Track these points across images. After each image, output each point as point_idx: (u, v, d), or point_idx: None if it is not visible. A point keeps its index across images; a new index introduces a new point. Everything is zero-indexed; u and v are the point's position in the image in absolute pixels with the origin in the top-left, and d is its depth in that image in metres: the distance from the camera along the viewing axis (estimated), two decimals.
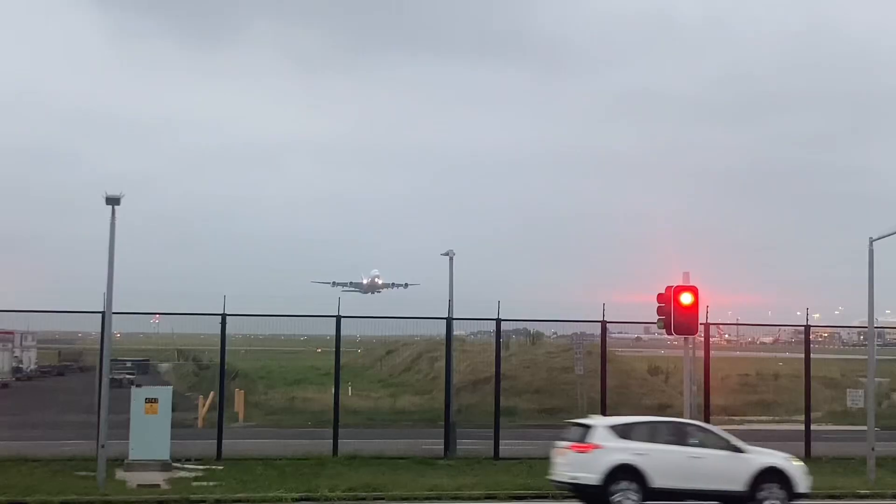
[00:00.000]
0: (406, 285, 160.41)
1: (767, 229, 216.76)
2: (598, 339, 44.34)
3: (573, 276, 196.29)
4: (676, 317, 33.85)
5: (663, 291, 34.25)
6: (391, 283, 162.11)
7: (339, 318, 40.17)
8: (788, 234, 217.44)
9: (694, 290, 34.12)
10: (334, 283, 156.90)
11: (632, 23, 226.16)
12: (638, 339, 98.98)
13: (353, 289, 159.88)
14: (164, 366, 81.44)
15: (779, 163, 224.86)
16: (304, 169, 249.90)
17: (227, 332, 40.44)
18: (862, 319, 42.37)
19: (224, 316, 39.47)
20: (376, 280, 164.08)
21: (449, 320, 42.31)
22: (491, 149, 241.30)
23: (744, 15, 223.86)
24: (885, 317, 76.61)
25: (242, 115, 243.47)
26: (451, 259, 46.40)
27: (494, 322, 42.08)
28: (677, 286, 34.06)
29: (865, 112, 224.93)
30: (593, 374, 48.91)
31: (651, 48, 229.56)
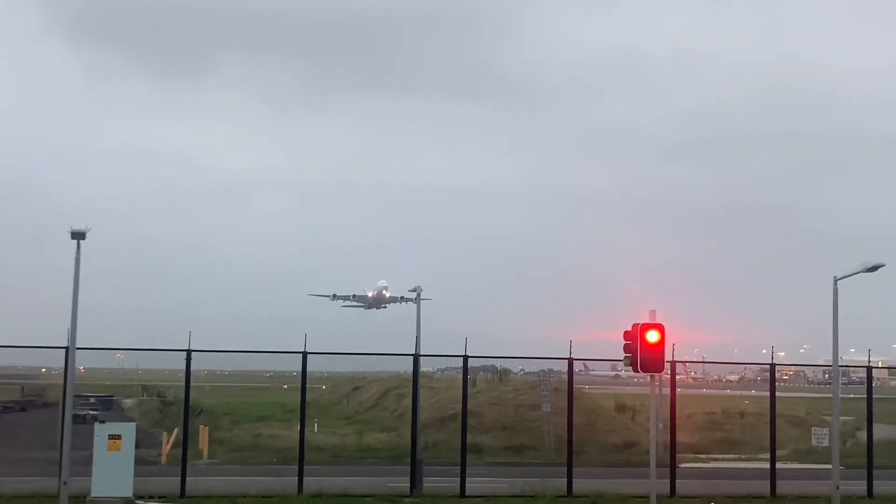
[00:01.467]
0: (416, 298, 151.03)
1: (734, 267, 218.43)
2: (566, 376, 44.26)
3: (541, 313, 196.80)
4: (643, 354, 33.83)
5: (630, 329, 34.28)
6: (399, 296, 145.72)
7: (305, 354, 39.91)
8: (755, 271, 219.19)
9: (660, 328, 34.14)
10: (334, 297, 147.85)
11: (602, 61, 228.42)
12: (617, 376, 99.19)
13: (355, 303, 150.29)
14: (129, 401, 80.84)
15: (745, 201, 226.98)
16: (273, 204, 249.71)
17: (193, 367, 40.08)
18: (827, 358, 42.59)
19: (189, 352, 39.14)
20: (384, 293, 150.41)
21: (416, 357, 42.14)
22: (461, 184, 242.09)
23: (712, 55, 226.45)
24: (850, 355, 76.80)
25: (211, 150, 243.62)
26: (418, 295, 46.38)
27: (462, 359, 41.95)
28: (644, 324, 34.08)
29: (831, 152, 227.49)
30: (560, 411, 48.86)
31: (621, 86, 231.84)
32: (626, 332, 34.21)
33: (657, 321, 34.20)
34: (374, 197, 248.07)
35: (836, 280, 37.30)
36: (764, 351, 53.81)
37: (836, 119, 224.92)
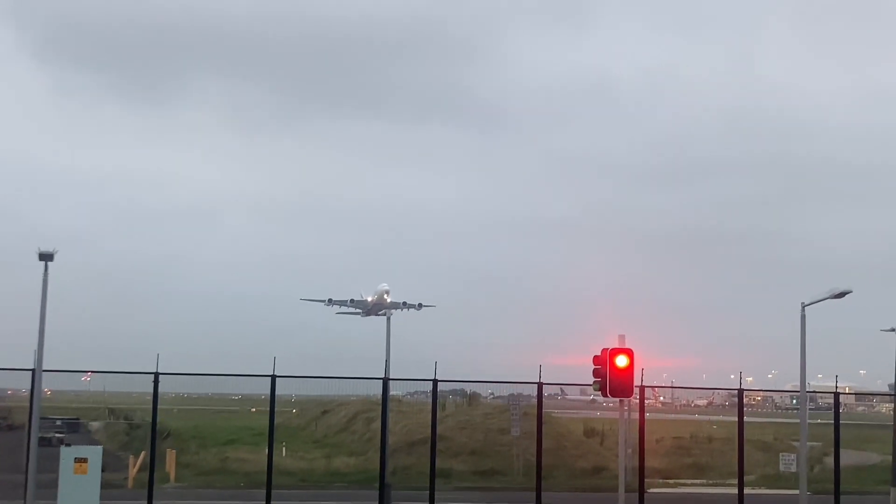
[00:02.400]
0: (420, 306, 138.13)
1: (703, 291, 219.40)
2: (536, 400, 44.24)
3: (512, 337, 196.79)
4: (612, 379, 33.91)
5: (599, 354, 34.36)
6: (402, 301, 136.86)
7: (273, 377, 39.76)
8: (724, 296, 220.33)
9: (629, 353, 34.24)
10: (330, 302, 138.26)
11: (571, 87, 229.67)
12: (593, 400, 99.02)
13: (352, 309, 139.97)
14: (95, 424, 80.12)
15: (714, 226, 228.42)
16: (243, 225, 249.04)
17: (161, 390, 39.85)
18: (794, 383, 42.78)
19: (157, 374, 38.91)
20: (385, 297, 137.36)
21: (385, 381, 42.07)
22: (431, 209, 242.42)
23: (679, 82, 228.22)
24: (817, 381, 77.00)
25: (182, 173, 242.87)
26: (388, 318, 46.40)
27: (431, 382, 41.88)
28: (613, 349, 34.18)
29: (798, 178, 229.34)
30: (530, 435, 48.82)
31: (590, 112, 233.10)
32: (595, 357, 34.30)
33: (626, 346, 34.32)
34: (343, 219, 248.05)
35: (803, 306, 37.56)
36: (732, 376, 53.96)
37: (801, 146, 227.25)
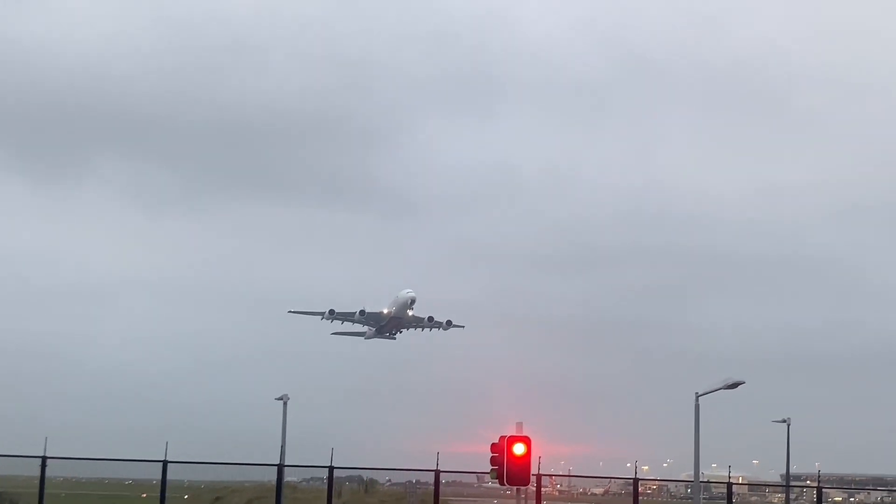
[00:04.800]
0: (449, 324, 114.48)
1: (602, 379, 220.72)
2: (433, 487, 44.01)
3: (411, 423, 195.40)
4: (509, 467, 33.94)
5: (497, 441, 34.39)
6: (427, 317, 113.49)
7: (165, 462, 39.02)
8: (621, 384, 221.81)
9: (527, 441, 34.34)
10: (331, 314, 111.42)
11: (477, 176, 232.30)
12: (491, 487, 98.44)
13: (357, 327, 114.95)
14: None
15: (612, 314, 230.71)
16: (141, 307, 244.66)
17: (49, 474, 38.83)
18: (689, 472, 43.29)
19: (44, 458, 37.95)
20: (408, 310, 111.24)
21: (280, 467, 41.54)
22: (333, 292, 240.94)
23: (582, 174, 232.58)
24: (711, 470, 77.96)
25: (80, 252, 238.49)
26: (285, 404, 46.02)
27: (327, 469, 41.43)
28: (510, 436, 34.27)
29: (693, 270, 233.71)
30: None
31: (494, 200, 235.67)
32: (493, 445, 34.36)
33: (524, 433, 34.44)
34: (244, 301, 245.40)
35: (697, 396, 38.17)
36: (628, 464, 54.48)
37: (696, 238, 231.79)
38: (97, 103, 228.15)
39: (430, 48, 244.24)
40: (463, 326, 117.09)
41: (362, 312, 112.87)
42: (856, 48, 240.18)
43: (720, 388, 37.70)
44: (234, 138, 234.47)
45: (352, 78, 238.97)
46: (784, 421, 70.89)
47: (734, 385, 37.46)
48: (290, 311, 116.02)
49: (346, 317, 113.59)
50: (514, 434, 34.92)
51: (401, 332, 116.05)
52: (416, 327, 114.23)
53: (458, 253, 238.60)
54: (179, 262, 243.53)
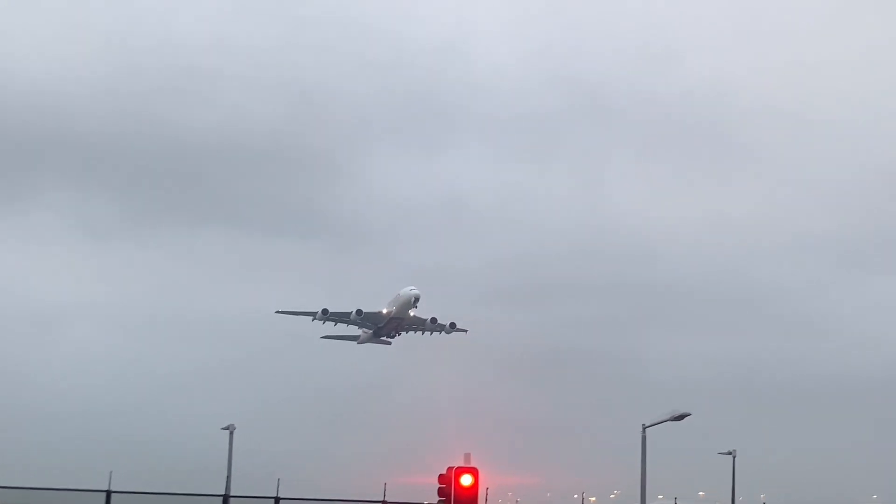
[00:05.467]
0: (452, 326, 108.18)
1: (550, 410, 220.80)
2: None
3: (360, 452, 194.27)
4: (457, 498, 33.82)
5: (444, 472, 34.28)
6: (429, 318, 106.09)
7: (109, 493, 38.54)
8: (569, 415, 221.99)
9: (474, 472, 34.24)
10: (324, 314, 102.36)
11: (426, 207, 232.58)
12: None
13: (352, 330, 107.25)
14: None
15: (561, 345, 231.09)
16: (89, 333, 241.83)
17: None
18: None
19: None
20: (409, 310, 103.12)
21: (226, 497, 41.17)
22: (281, 318, 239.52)
23: (530, 205, 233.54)
24: (658, 502, 78.19)
25: (25, 280, 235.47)
26: (231, 433, 45.57)
27: (273, 500, 41.10)
28: (458, 467, 34.16)
29: (642, 302, 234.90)
30: None
31: (443, 231, 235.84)
32: (440, 476, 34.24)
33: (472, 464, 34.36)
34: (194, 329, 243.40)
35: (644, 427, 38.31)
36: (576, 496, 54.41)
37: (645, 271, 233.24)
38: (45, 131, 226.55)
39: (382, 79, 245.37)
40: (466, 331, 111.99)
41: (359, 312, 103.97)
42: (800, 83, 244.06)
43: (667, 420, 37.90)
44: (184, 166, 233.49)
45: (303, 108, 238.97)
46: (730, 453, 71.33)
47: (680, 417, 37.66)
48: (277, 312, 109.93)
49: (340, 317, 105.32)
50: (462, 465, 34.80)
51: (398, 335, 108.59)
52: (416, 329, 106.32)
53: (406, 284, 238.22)
54: (126, 289, 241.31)
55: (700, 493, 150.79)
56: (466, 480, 34.16)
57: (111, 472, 38.39)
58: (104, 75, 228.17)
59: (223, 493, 41.35)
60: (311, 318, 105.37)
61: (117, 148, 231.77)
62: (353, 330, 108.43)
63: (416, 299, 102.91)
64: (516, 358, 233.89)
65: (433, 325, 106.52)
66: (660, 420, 38.05)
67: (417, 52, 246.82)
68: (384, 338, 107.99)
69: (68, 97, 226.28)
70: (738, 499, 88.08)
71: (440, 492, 34.59)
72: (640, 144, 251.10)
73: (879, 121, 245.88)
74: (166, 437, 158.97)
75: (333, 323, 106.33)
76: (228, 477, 42.16)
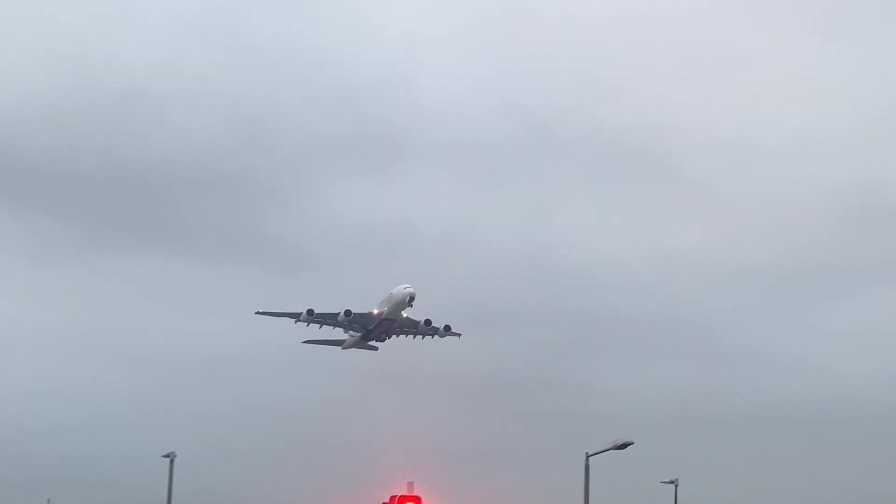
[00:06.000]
0: (448, 329, 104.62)
1: (495, 438, 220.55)
2: None
3: (302, 481, 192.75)
4: None
5: (387, 501, 34.11)
6: (424, 320, 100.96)
7: None
8: (513, 444, 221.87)
9: (417, 501, 34.09)
10: (310, 314, 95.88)
11: (376, 232, 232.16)
12: None
13: (339, 333, 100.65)
14: None
15: (505, 374, 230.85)
16: (32, 361, 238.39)
17: None
18: None
19: None
20: (404, 310, 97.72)
21: None
22: (226, 348, 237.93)
23: (477, 232, 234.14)
24: None
25: None
26: (171, 461, 45.09)
27: None
28: (401, 496, 33.99)
29: (588, 331, 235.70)
30: None
31: (392, 259, 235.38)
32: None
33: (415, 493, 34.20)
34: (139, 355, 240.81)
35: (587, 456, 38.39)
36: None
37: (591, 299, 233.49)
38: None
39: (330, 105, 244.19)
40: (459, 335, 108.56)
41: (347, 313, 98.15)
42: (743, 114, 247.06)
43: (610, 449, 38.03)
44: (131, 191, 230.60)
45: (251, 132, 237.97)
46: (672, 482, 71.69)
47: (623, 445, 37.81)
48: (258, 313, 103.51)
49: (326, 319, 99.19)
50: (405, 494, 34.65)
51: (388, 339, 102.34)
52: (408, 333, 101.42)
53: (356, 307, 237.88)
54: (72, 315, 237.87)
55: None
56: None
57: (48, 500, 37.78)
58: (49, 97, 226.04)
59: None
60: (293, 319, 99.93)
61: (62, 172, 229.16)
62: (339, 333, 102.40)
63: (412, 298, 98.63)
64: (462, 385, 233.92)
65: (427, 328, 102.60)
66: (603, 449, 38.16)
67: (366, 78, 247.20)
68: (372, 342, 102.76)
69: (9, 119, 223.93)
70: None
71: None
72: (588, 173, 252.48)
73: (822, 148, 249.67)
74: (107, 464, 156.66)
75: (318, 326, 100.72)
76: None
